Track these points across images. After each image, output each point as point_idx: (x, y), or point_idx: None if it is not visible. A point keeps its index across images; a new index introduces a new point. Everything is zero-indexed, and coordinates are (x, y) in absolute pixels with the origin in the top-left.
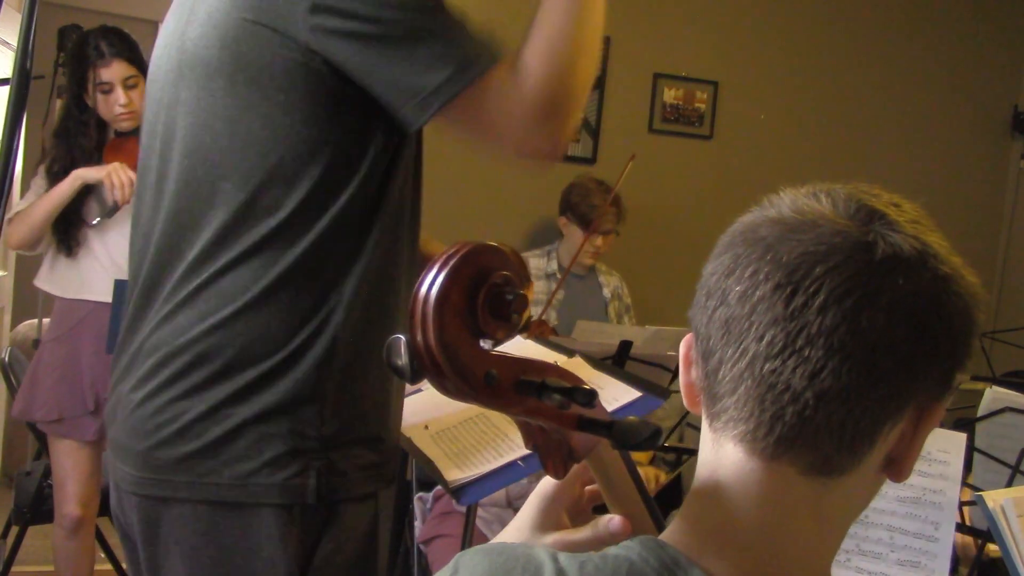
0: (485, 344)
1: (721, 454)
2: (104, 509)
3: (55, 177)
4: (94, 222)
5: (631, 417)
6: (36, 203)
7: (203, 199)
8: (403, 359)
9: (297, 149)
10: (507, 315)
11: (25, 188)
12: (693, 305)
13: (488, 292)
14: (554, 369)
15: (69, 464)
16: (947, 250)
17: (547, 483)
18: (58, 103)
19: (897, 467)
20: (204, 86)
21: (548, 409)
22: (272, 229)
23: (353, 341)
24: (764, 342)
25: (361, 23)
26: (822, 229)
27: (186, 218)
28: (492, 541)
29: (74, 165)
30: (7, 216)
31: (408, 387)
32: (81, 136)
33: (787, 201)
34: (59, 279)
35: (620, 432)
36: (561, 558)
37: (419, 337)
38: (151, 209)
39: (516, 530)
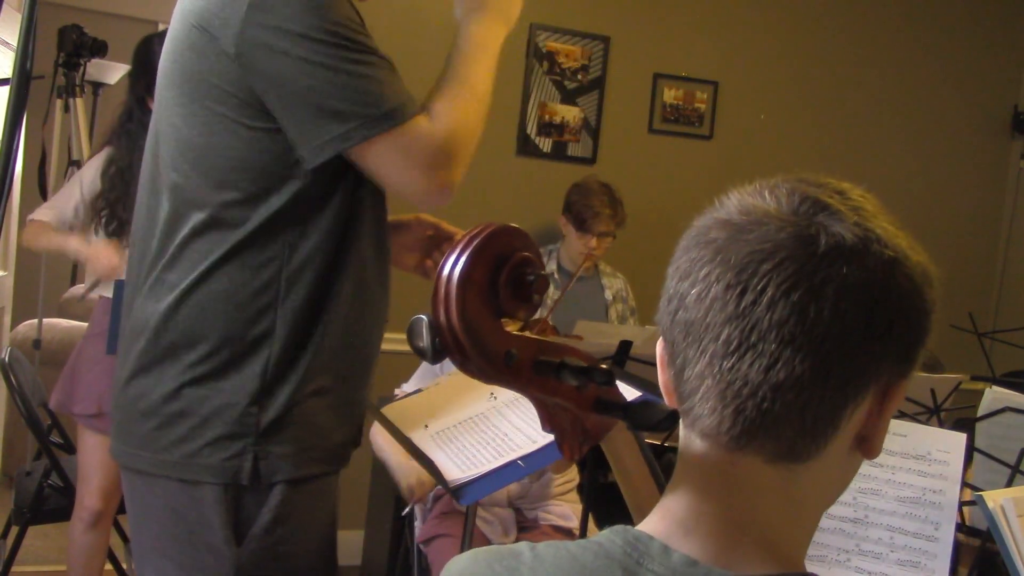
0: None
1: (692, 449)
2: (122, 507)
3: (110, 180)
4: (83, 290)
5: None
6: (51, 235)
7: (158, 198)
8: (424, 340)
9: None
10: (528, 295)
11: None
12: (659, 309)
13: (510, 272)
14: (572, 350)
15: (97, 458)
16: (891, 233)
17: None
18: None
19: (868, 445)
20: (162, 95)
21: (566, 389)
22: (234, 236)
23: (296, 339)
24: (721, 341)
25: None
26: (767, 227)
27: (151, 213)
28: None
29: (132, 167)
30: (32, 217)
31: (407, 387)
32: (142, 138)
33: (734, 201)
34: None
35: (635, 413)
36: (540, 546)
37: (442, 316)
38: (141, 204)
39: None
